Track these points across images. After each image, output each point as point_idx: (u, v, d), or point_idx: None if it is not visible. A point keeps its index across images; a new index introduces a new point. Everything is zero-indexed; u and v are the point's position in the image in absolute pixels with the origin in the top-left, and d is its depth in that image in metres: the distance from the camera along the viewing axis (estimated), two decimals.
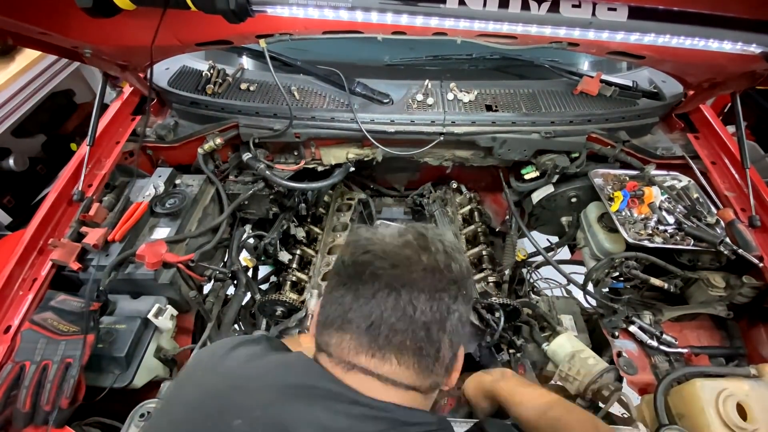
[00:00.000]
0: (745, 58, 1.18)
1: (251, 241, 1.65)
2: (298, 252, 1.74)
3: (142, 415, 1.02)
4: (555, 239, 1.90)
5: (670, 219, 1.40)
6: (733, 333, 1.41)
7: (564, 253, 1.95)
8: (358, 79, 1.70)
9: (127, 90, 1.78)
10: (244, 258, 1.69)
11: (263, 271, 1.98)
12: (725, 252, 1.28)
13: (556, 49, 1.35)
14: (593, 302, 1.46)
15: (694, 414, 1.07)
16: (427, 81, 1.70)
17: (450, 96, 1.68)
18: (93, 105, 1.56)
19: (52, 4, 1.14)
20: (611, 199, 1.47)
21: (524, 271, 1.79)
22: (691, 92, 1.62)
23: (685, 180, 1.55)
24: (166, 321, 1.21)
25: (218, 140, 1.63)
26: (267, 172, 1.62)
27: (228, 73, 1.73)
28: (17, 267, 1.24)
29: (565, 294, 1.69)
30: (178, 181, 1.57)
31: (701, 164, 1.57)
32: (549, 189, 1.71)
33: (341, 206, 2.08)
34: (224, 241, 1.58)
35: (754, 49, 1.13)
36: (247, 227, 1.64)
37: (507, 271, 1.69)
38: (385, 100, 1.67)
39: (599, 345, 1.47)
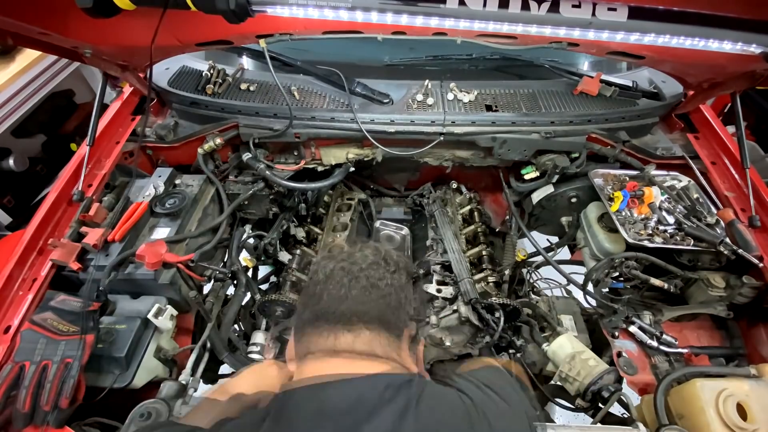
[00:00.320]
0: (745, 58, 1.18)
1: (251, 241, 1.65)
2: (298, 252, 1.74)
3: (142, 415, 1.02)
4: (555, 239, 1.90)
5: (670, 219, 1.40)
6: (733, 333, 1.41)
7: (564, 253, 1.95)
8: (358, 79, 1.70)
9: (127, 90, 1.78)
10: (244, 258, 1.69)
11: (263, 271, 1.98)
12: (725, 252, 1.28)
13: (556, 49, 1.35)
14: (593, 302, 1.46)
15: (694, 414, 1.07)
16: (427, 81, 1.70)
17: (450, 96, 1.68)
18: (93, 105, 1.56)
19: (52, 4, 1.14)
20: (611, 199, 1.47)
21: (524, 271, 1.79)
22: (691, 92, 1.62)
23: (685, 180, 1.55)
24: (166, 321, 1.21)
25: (218, 140, 1.63)
26: (267, 172, 1.62)
27: (228, 73, 1.73)
28: (17, 267, 1.24)
29: (565, 294, 1.69)
30: (178, 181, 1.57)
31: (701, 164, 1.57)
32: (549, 189, 1.71)
33: (341, 206, 2.08)
34: (224, 241, 1.58)
35: (754, 49, 1.13)
36: (247, 227, 1.64)
37: (507, 271, 1.69)
38: (385, 100, 1.67)
39: (599, 345, 1.47)
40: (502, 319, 1.42)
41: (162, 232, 1.38)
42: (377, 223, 2.06)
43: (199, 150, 1.64)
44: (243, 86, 1.70)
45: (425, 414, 0.69)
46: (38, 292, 1.21)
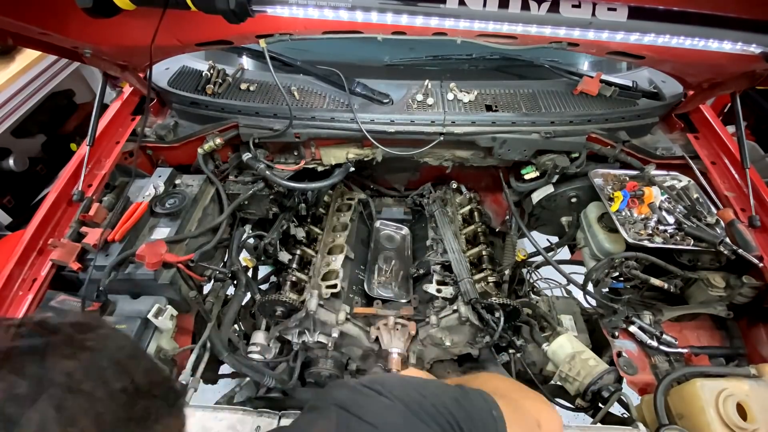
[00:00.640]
0: (745, 58, 1.18)
1: (251, 241, 1.65)
2: (298, 252, 1.74)
3: None
4: (555, 239, 1.90)
5: (670, 219, 1.40)
6: (733, 333, 1.41)
7: (564, 253, 1.95)
8: (358, 79, 1.70)
9: (127, 90, 1.78)
10: (244, 258, 1.69)
11: (263, 271, 1.98)
12: (725, 252, 1.28)
13: (556, 49, 1.35)
14: (593, 302, 1.46)
15: (694, 414, 1.07)
16: (427, 81, 1.70)
17: (450, 96, 1.68)
18: (93, 105, 1.56)
19: (52, 4, 1.14)
20: (611, 199, 1.47)
21: (524, 271, 1.79)
22: (691, 92, 1.62)
23: (685, 180, 1.55)
24: (166, 321, 1.21)
25: (218, 140, 1.63)
26: (267, 172, 1.62)
27: (228, 73, 1.73)
28: (17, 267, 1.24)
29: (565, 294, 1.69)
30: (178, 181, 1.57)
31: (701, 164, 1.57)
32: (549, 189, 1.71)
33: (341, 206, 2.08)
34: (224, 241, 1.58)
35: (754, 49, 1.13)
36: (247, 227, 1.64)
37: (507, 271, 1.69)
38: (385, 100, 1.67)
39: (599, 345, 1.47)
40: (502, 319, 1.42)
41: (162, 232, 1.38)
42: (377, 223, 2.06)
43: (199, 150, 1.64)
44: (243, 86, 1.70)
45: None
46: (38, 292, 1.21)
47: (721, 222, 1.37)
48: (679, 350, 1.33)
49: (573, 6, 1.11)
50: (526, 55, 1.86)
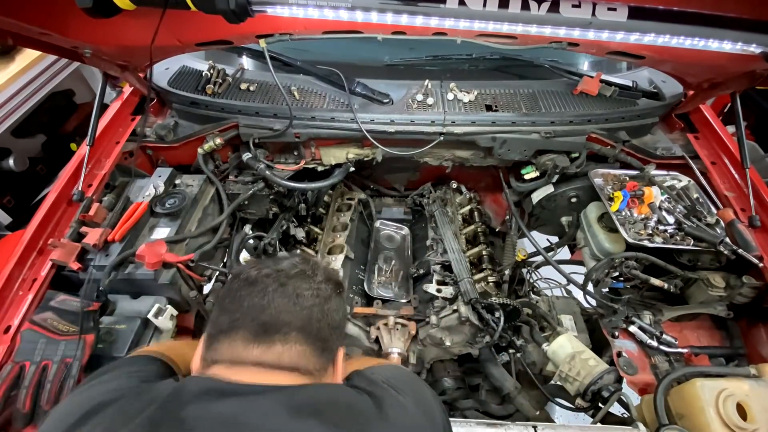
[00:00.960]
0: (745, 58, 1.18)
1: (251, 241, 1.64)
2: (298, 252, 1.74)
3: None
4: (555, 239, 1.90)
5: (670, 219, 1.40)
6: (733, 333, 1.41)
7: (564, 253, 1.95)
8: (358, 79, 1.70)
9: (127, 90, 1.78)
10: (244, 258, 1.69)
11: None
12: (725, 252, 1.28)
13: (556, 49, 1.35)
14: (593, 302, 1.46)
15: (694, 414, 1.07)
16: (427, 81, 1.70)
17: (450, 96, 1.68)
18: (93, 105, 1.56)
19: (52, 4, 1.14)
20: (611, 199, 1.47)
21: (524, 271, 1.79)
22: (691, 92, 1.62)
23: (685, 180, 1.55)
24: (166, 321, 1.21)
25: (218, 140, 1.63)
26: (267, 172, 1.62)
27: (228, 73, 1.73)
28: (17, 267, 1.24)
29: (565, 294, 1.69)
30: (178, 181, 1.57)
31: (701, 164, 1.57)
32: (549, 189, 1.71)
33: (341, 206, 2.08)
34: (224, 241, 1.58)
35: (754, 49, 1.13)
36: (247, 227, 1.64)
37: (507, 271, 1.69)
38: (385, 100, 1.67)
39: (599, 345, 1.47)
40: (502, 319, 1.42)
41: (162, 232, 1.38)
42: (377, 223, 2.06)
43: (199, 150, 1.64)
44: (243, 86, 1.70)
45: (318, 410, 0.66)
46: (38, 292, 1.21)
47: (721, 222, 1.37)
48: (679, 350, 1.33)
49: (573, 6, 1.10)
50: (526, 55, 1.86)
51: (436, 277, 1.65)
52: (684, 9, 1.09)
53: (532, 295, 1.66)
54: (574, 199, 1.71)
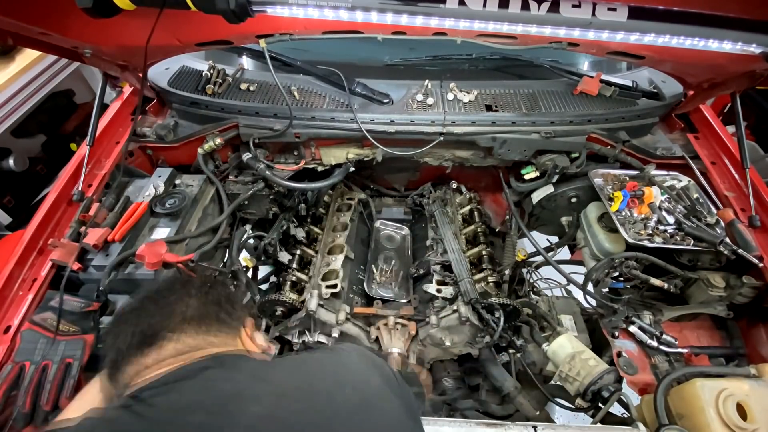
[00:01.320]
0: (745, 58, 1.18)
1: (251, 241, 1.65)
2: (298, 252, 1.74)
3: None
4: (555, 239, 1.90)
5: (670, 219, 1.40)
6: (733, 333, 1.41)
7: (564, 253, 1.95)
8: (358, 79, 1.70)
9: (127, 90, 1.78)
10: (244, 258, 1.69)
11: (263, 271, 1.98)
12: (725, 252, 1.28)
13: (556, 49, 1.35)
14: (593, 302, 1.46)
15: (694, 414, 1.07)
16: (427, 81, 1.70)
17: (450, 96, 1.68)
18: (93, 105, 1.56)
19: (52, 4, 1.14)
20: (611, 199, 1.47)
21: (524, 271, 1.79)
22: (691, 92, 1.62)
23: (685, 180, 1.55)
24: None
25: (218, 140, 1.63)
26: (267, 172, 1.62)
27: (228, 73, 1.73)
28: (17, 267, 1.24)
29: (565, 294, 1.69)
30: (178, 181, 1.57)
31: (701, 164, 1.57)
32: (549, 189, 1.71)
33: (341, 206, 2.08)
34: (224, 241, 1.58)
35: (754, 49, 1.13)
36: (247, 227, 1.64)
37: (507, 271, 1.69)
38: (385, 100, 1.67)
39: (599, 345, 1.47)
40: (502, 319, 1.42)
41: (162, 232, 1.38)
42: (377, 223, 2.06)
43: (199, 150, 1.64)
44: (243, 86, 1.70)
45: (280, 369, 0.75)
46: (38, 292, 1.21)
47: (721, 222, 1.37)
48: (679, 350, 1.33)
49: (573, 6, 1.10)
50: (526, 55, 1.86)
51: (436, 277, 1.66)
52: (684, 9, 1.09)
53: (532, 295, 1.66)
54: (574, 199, 1.71)
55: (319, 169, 1.80)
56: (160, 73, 1.72)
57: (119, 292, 1.27)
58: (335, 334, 1.52)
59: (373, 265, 1.85)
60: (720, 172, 1.53)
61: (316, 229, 1.91)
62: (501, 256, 1.80)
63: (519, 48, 1.45)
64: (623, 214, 1.43)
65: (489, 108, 1.63)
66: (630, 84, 1.73)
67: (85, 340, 1.05)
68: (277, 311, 1.54)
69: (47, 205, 1.37)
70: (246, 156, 1.64)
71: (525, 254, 1.81)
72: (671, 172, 1.58)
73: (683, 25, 1.11)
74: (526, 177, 1.74)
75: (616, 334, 1.37)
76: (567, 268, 1.58)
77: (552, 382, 1.37)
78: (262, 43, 1.40)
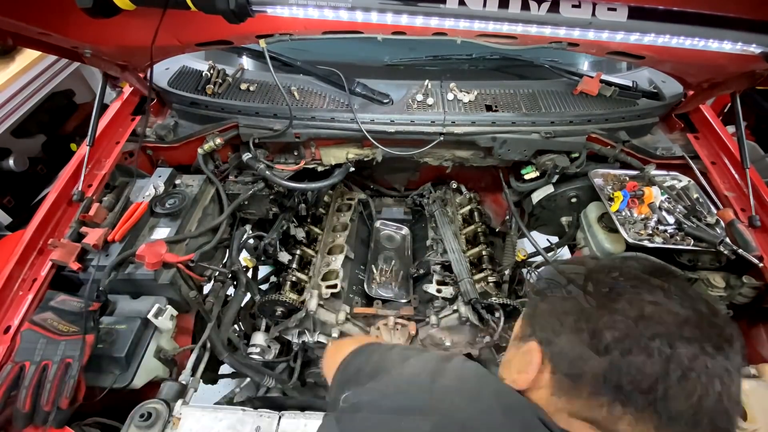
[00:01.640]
0: (745, 58, 1.18)
1: (251, 241, 1.65)
2: (298, 252, 1.74)
3: (142, 416, 1.01)
4: (555, 239, 1.90)
5: (670, 219, 1.40)
6: None
7: (564, 253, 1.95)
8: (358, 79, 1.70)
9: (127, 90, 1.78)
10: (244, 258, 1.69)
11: (263, 271, 1.98)
12: (725, 252, 1.28)
13: (556, 49, 1.35)
14: None
15: None
16: (427, 81, 1.70)
17: (450, 96, 1.68)
18: (93, 105, 1.55)
19: (52, 4, 1.14)
20: (611, 199, 1.47)
21: (524, 271, 1.79)
22: (691, 92, 1.62)
23: (685, 180, 1.55)
24: (166, 321, 1.21)
25: (218, 140, 1.63)
26: (267, 172, 1.62)
27: (228, 73, 1.73)
28: (17, 267, 1.24)
29: None
30: (178, 181, 1.57)
31: (701, 164, 1.57)
32: (549, 189, 1.71)
33: (341, 206, 2.08)
34: (224, 241, 1.58)
35: (754, 49, 1.13)
36: (247, 227, 1.64)
37: (507, 271, 1.69)
38: (385, 100, 1.67)
39: None
40: (502, 319, 1.42)
41: (162, 232, 1.38)
42: (377, 223, 2.06)
43: (199, 150, 1.64)
44: (243, 86, 1.70)
45: None
46: (38, 292, 1.21)
47: (721, 222, 1.37)
48: None
49: (573, 6, 1.10)
50: (526, 55, 1.86)
51: (436, 277, 1.66)
52: (684, 9, 1.09)
53: None
54: (574, 199, 1.71)
55: (319, 169, 1.80)
56: (160, 73, 1.72)
57: (119, 292, 1.27)
58: (335, 334, 1.52)
59: (373, 265, 1.85)
60: (720, 172, 1.53)
61: (316, 229, 1.91)
62: (501, 256, 1.80)
63: (519, 48, 1.45)
64: (623, 214, 1.43)
65: (489, 108, 1.63)
66: (630, 84, 1.73)
67: (85, 340, 1.05)
68: (277, 311, 1.54)
69: (47, 205, 1.37)
70: (246, 156, 1.64)
71: (525, 254, 1.80)
72: (671, 172, 1.58)
73: (683, 25, 1.10)
74: (526, 177, 1.74)
75: None
76: None
77: None
78: (262, 43, 1.40)
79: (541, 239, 1.88)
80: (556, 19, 1.12)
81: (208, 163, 1.67)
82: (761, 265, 1.27)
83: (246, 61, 1.92)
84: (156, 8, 1.11)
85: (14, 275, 1.23)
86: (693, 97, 1.63)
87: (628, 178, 1.56)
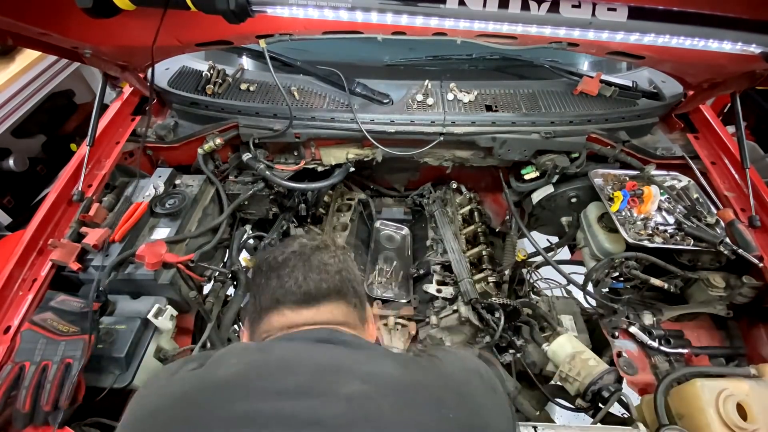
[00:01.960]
0: (745, 58, 1.18)
1: (251, 241, 1.65)
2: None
3: None
4: (555, 239, 1.90)
5: (670, 219, 1.40)
6: (733, 333, 1.41)
7: (564, 253, 1.95)
8: (358, 79, 1.70)
9: (127, 90, 1.78)
10: (244, 258, 1.69)
11: None
12: (725, 252, 1.28)
13: (556, 49, 1.35)
14: (593, 302, 1.46)
15: (694, 414, 1.07)
16: (427, 81, 1.70)
17: (450, 96, 1.68)
18: (93, 105, 1.56)
19: (52, 4, 1.14)
20: (611, 199, 1.47)
21: (524, 271, 1.79)
22: (691, 92, 1.62)
23: (685, 180, 1.55)
24: (166, 321, 1.21)
25: (218, 140, 1.63)
26: (267, 172, 1.62)
27: (228, 74, 1.73)
28: (17, 267, 1.24)
29: (565, 294, 1.69)
30: (178, 182, 1.57)
31: (701, 164, 1.57)
32: (549, 189, 1.71)
33: (341, 206, 2.08)
34: (224, 242, 1.58)
35: (754, 49, 1.13)
36: (247, 227, 1.64)
37: (507, 271, 1.69)
38: (385, 101, 1.67)
39: (599, 345, 1.47)
40: (502, 319, 1.42)
41: (162, 233, 1.38)
42: (377, 223, 2.06)
43: (199, 150, 1.64)
44: (243, 86, 1.70)
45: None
46: (38, 292, 1.21)
47: (721, 222, 1.37)
48: (679, 350, 1.33)
49: (573, 6, 1.10)
50: (526, 55, 1.86)
51: (436, 278, 1.66)
52: (684, 9, 1.09)
53: (532, 295, 1.66)
54: (574, 199, 1.71)
55: (319, 169, 1.80)
56: (161, 73, 1.72)
57: (119, 292, 1.27)
58: None
59: (373, 265, 1.85)
60: (720, 172, 1.53)
61: (316, 230, 1.91)
62: (501, 256, 1.80)
63: (519, 48, 1.45)
64: (623, 214, 1.43)
65: (489, 108, 1.63)
66: (630, 84, 1.73)
67: (86, 340, 1.05)
68: None
69: (47, 205, 1.37)
70: (246, 156, 1.64)
71: (525, 254, 1.80)
72: (671, 172, 1.58)
73: (683, 25, 1.10)
74: (526, 177, 1.74)
75: (616, 334, 1.37)
76: (567, 268, 1.58)
77: (552, 382, 1.37)
78: (262, 43, 1.40)
79: (541, 239, 1.88)
80: (556, 19, 1.12)
81: (208, 163, 1.67)
82: (761, 265, 1.27)
83: (246, 61, 1.92)
84: (156, 8, 1.11)
85: (14, 275, 1.23)
86: (693, 97, 1.63)
87: (628, 178, 1.56)
